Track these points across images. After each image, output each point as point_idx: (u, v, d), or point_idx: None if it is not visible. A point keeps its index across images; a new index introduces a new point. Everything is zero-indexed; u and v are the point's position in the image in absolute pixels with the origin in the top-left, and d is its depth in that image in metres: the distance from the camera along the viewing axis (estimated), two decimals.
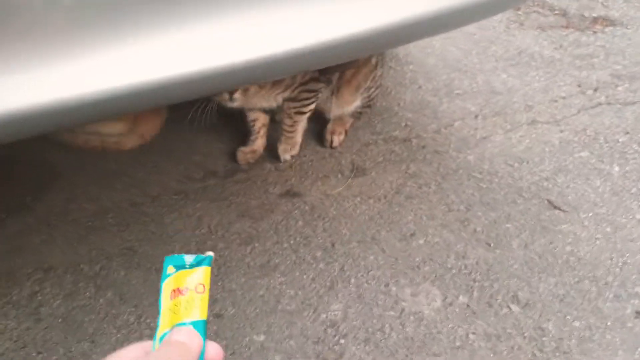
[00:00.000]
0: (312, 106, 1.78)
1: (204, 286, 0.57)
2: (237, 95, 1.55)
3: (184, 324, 0.55)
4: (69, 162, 1.80)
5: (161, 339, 0.55)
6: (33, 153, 1.83)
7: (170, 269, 0.59)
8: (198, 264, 0.59)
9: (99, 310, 1.38)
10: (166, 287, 0.58)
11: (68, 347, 1.30)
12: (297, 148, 1.82)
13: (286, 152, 1.81)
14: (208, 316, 1.34)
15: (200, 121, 1.57)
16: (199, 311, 0.56)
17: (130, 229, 1.58)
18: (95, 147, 1.83)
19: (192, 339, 0.53)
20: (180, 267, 0.59)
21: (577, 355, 1.30)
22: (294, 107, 1.76)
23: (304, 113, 1.78)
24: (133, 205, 1.66)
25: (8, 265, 1.48)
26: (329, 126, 1.90)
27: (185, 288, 0.57)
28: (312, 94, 1.74)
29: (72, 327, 1.34)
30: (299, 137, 1.82)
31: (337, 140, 1.89)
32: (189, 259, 0.59)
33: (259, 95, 1.67)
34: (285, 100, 1.74)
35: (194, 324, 0.55)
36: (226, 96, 1.53)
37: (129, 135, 1.85)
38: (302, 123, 1.81)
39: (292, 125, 1.78)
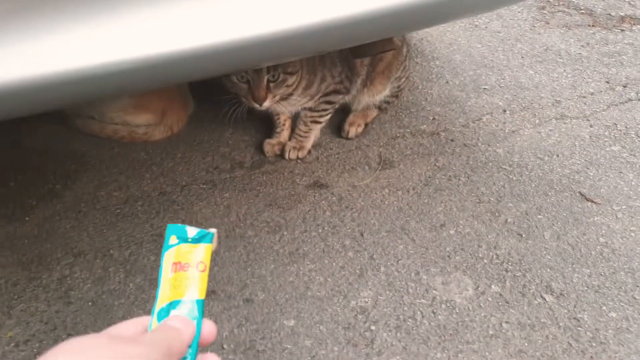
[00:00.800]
0: (329, 117, 1.82)
1: (205, 265, 0.58)
2: (266, 103, 1.57)
3: (181, 302, 0.56)
4: (98, 152, 1.81)
5: (159, 313, 0.56)
6: (63, 143, 1.85)
7: (172, 239, 0.59)
8: (200, 239, 0.59)
9: (128, 295, 1.37)
10: (167, 258, 0.58)
11: (98, 330, 1.28)
12: (304, 152, 1.81)
13: (293, 152, 1.80)
14: (238, 300, 1.34)
15: (230, 121, 1.62)
16: (198, 290, 0.57)
17: (160, 216, 1.58)
18: (124, 138, 1.84)
19: (187, 327, 0.54)
20: (182, 239, 0.59)
21: (614, 346, 1.27)
22: (311, 117, 1.79)
23: (320, 123, 1.82)
24: (162, 194, 1.66)
25: (38, 250, 1.48)
26: (350, 117, 1.91)
27: (187, 264, 0.57)
28: (330, 106, 1.79)
29: (102, 311, 1.34)
30: (309, 144, 1.82)
31: (353, 131, 1.88)
32: (191, 232, 0.59)
33: (284, 103, 1.70)
34: (304, 109, 1.78)
35: (192, 302, 0.56)
36: (256, 105, 1.57)
37: (157, 126, 1.85)
38: (315, 131, 1.83)
39: (306, 132, 1.80)
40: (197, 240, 0.59)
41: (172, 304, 0.56)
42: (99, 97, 1.49)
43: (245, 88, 1.56)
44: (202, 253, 0.58)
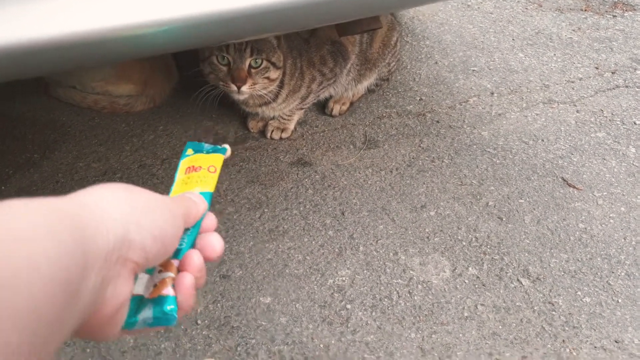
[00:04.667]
0: (313, 102, 1.80)
1: (215, 168, 0.64)
2: (244, 88, 1.50)
3: (191, 192, 0.61)
4: (78, 122, 1.79)
5: None
6: (43, 112, 1.82)
7: (189, 151, 0.66)
8: (214, 151, 0.65)
9: None
10: (183, 164, 0.65)
11: None
12: (288, 133, 1.79)
13: (276, 132, 1.78)
14: (215, 277, 1.33)
15: (199, 105, 1.58)
16: (208, 185, 0.62)
17: None
18: (105, 108, 1.82)
19: (201, 201, 0.58)
20: (198, 151, 0.66)
21: (587, 330, 1.28)
22: (297, 105, 1.75)
23: (303, 109, 1.80)
24: (142, 166, 1.64)
25: None
26: (335, 95, 1.88)
27: (199, 167, 0.63)
28: (317, 94, 1.77)
29: None
30: (292, 125, 1.80)
31: (337, 109, 1.87)
32: (207, 146, 0.66)
33: (270, 108, 1.68)
34: None
35: (203, 193, 0.60)
36: (234, 88, 1.50)
37: (139, 97, 1.83)
38: (299, 115, 1.81)
39: (290, 116, 1.78)
40: (210, 151, 0.65)
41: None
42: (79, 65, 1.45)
43: (225, 70, 1.50)
44: (214, 159, 0.64)
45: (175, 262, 0.55)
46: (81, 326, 0.44)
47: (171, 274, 0.55)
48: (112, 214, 0.45)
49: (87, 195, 0.46)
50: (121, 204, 0.46)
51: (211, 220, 0.60)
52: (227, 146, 0.66)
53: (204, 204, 0.58)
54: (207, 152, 0.65)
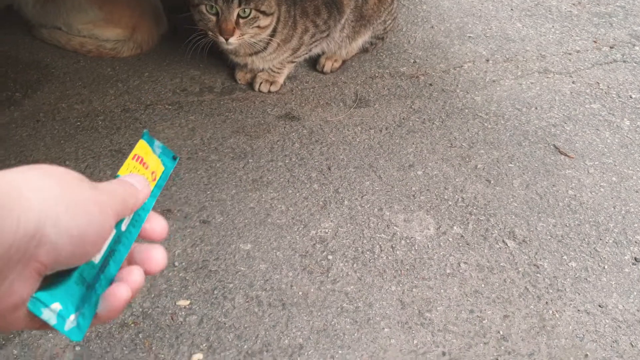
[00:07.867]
0: (305, 57, 1.76)
1: (155, 177, 0.57)
2: (232, 39, 1.48)
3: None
4: (63, 64, 1.74)
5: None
6: (27, 52, 1.77)
7: (141, 142, 0.58)
8: (164, 154, 0.59)
9: None
10: (139, 145, 0.57)
11: None
12: (277, 87, 1.74)
13: (264, 85, 1.73)
14: (194, 221, 1.28)
15: (188, 53, 1.54)
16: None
17: (121, 132, 1.52)
18: (91, 52, 1.76)
19: (143, 187, 0.51)
20: (150, 144, 0.58)
21: (571, 294, 1.26)
22: (288, 57, 1.71)
23: (294, 62, 1.75)
24: (125, 110, 1.60)
25: None
26: (327, 52, 1.84)
27: (146, 163, 0.56)
28: (309, 47, 1.72)
29: None
30: (281, 79, 1.75)
31: (329, 66, 1.82)
32: (158, 144, 0.59)
33: (260, 57, 1.64)
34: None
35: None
36: (222, 39, 1.48)
37: (126, 42, 1.78)
38: (289, 68, 1.76)
39: (280, 69, 1.73)
40: (159, 155, 0.58)
41: None
42: None
43: (214, 20, 1.47)
44: (158, 167, 0.57)
45: None
46: None
47: None
48: (33, 201, 0.40)
49: (15, 174, 0.41)
50: (45, 192, 0.41)
51: (161, 226, 0.54)
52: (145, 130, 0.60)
53: (146, 191, 0.51)
54: (155, 153, 0.58)
